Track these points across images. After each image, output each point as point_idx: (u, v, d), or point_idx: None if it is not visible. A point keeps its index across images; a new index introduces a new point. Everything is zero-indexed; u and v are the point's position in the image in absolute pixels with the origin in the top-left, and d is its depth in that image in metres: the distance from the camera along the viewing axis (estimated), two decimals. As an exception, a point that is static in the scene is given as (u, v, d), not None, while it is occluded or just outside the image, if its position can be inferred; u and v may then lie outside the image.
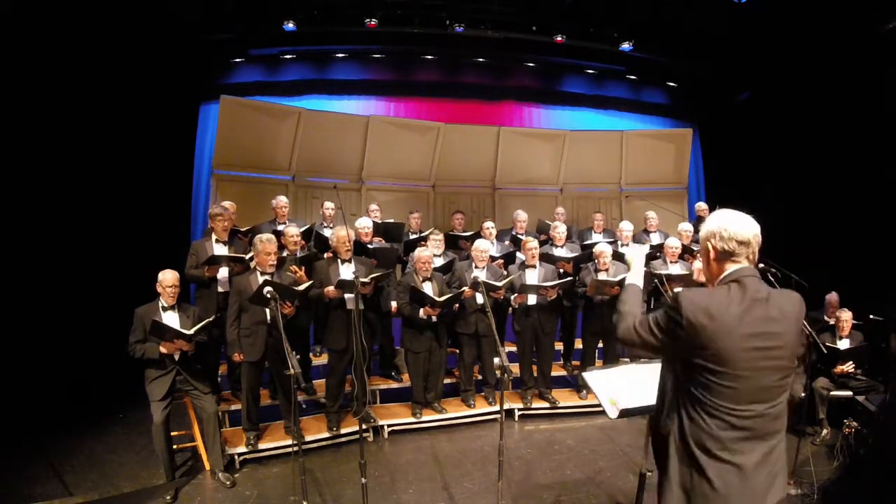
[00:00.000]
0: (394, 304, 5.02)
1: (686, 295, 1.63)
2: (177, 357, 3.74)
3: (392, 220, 5.86)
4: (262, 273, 4.01)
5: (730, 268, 1.68)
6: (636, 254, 2.14)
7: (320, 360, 5.35)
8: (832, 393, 4.49)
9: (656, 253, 5.61)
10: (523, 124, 8.49)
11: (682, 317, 1.60)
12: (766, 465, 1.61)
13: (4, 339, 4.52)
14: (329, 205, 5.79)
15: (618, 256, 5.21)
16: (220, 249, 4.52)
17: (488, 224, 5.87)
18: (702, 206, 6.79)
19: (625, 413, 2.29)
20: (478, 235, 5.69)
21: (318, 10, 6.56)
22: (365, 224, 5.22)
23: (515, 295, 4.82)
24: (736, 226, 1.67)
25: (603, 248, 5.00)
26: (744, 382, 1.57)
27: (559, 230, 5.44)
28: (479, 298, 4.69)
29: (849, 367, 4.47)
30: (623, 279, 4.76)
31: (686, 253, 5.54)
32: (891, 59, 5.46)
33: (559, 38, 7.11)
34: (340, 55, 7.69)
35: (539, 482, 3.85)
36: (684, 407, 1.65)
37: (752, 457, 1.59)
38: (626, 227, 5.83)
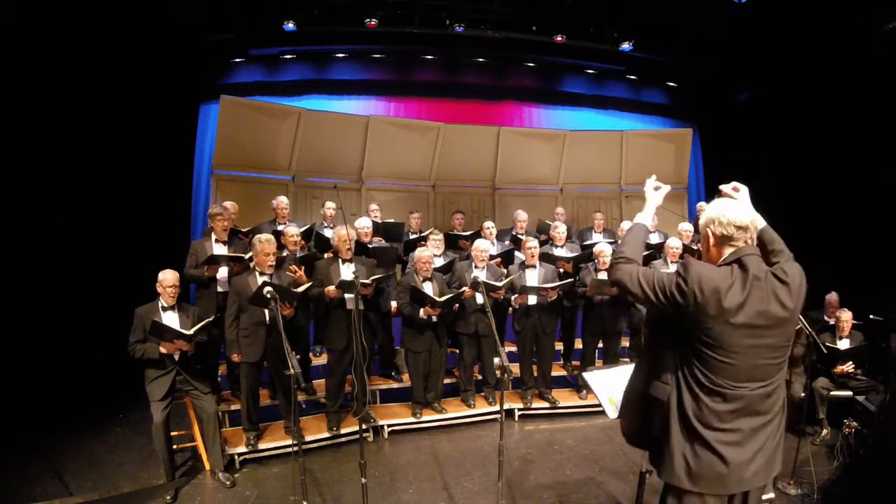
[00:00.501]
0: (394, 303, 5.03)
1: (695, 265, 1.67)
2: (176, 357, 3.74)
3: (392, 220, 5.85)
4: (261, 273, 4.01)
5: (728, 251, 1.73)
6: (654, 192, 2.11)
7: (320, 360, 5.35)
8: (832, 393, 4.49)
9: (656, 253, 5.61)
10: (523, 124, 8.48)
11: (687, 285, 1.64)
12: (761, 436, 1.67)
13: (5, 340, 4.51)
14: (330, 205, 5.79)
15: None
16: (220, 249, 4.52)
17: (488, 224, 5.86)
18: (703, 205, 6.77)
19: (625, 413, 2.30)
20: (477, 235, 5.69)
21: (318, 10, 6.55)
22: (364, 224, 5.21)
23: (516, 296, 4.81)
24: (734, 212, 1.73)
25: (603, 248, 4.99)
26: (740, 359, 1.63)
27: (559, 230, 5.44)
28: (479, 298, 4.69)
29: (849, 367, 4.47)
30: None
31: (686, 253, 5.54)
32: (891, 59, 5.46)
33: (559, 38, 7.10)
34: (340, 55, 7.69)
35: (539, 482, 3.85)
36: (684, 380, 1.70)
37: (747, 429, 1.66)
38: (627, 227, 5.82)
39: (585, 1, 6.74)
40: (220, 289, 4.50)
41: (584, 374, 2.60)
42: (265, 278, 3.95)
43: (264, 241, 4.01)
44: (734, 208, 1.75)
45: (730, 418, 1.65)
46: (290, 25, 6.53)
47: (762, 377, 1.66)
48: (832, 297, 5.21)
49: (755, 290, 1.63)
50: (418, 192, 7.71)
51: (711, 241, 1.78)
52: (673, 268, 5.14)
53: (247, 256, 4.44)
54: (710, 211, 1.79)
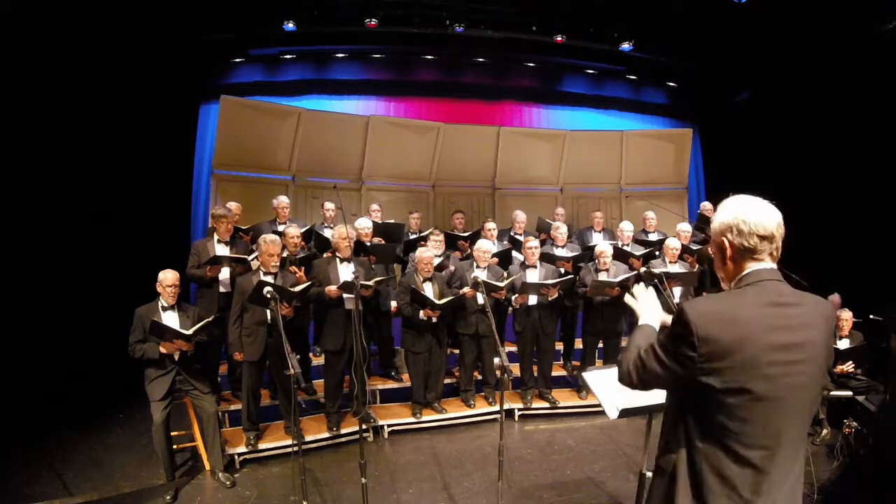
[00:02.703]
0: (393, 303, 5.03)
1: (691, 306, 1.37)
2: (176, 357, 3.74)
3: (392, 221, 5.85)
4: (266, 273, 4.02)
5: (749, 267, 1.42)
6: (645, 295, 1.76)
7: (320, 360, 5.34)
8: (832, 393, 4.49)
9: (655, 252, 5.61)
10: (523, 124, 8.48)
11: (692, 333, 1.33)
12: (785, 486, 1.38)
13: (5, 339, 4.51)
14: (329, 205, 5.78)
15: (618, 256, 5.20)
16: (222, 250, 4.53)
17: (490, 225, 5.84)
18: (706, 205, 6.76)
19: (625, 413, 2.30)
20: (478, 235, 5.69)
21: (318, 10, 6.56)
22: (365, 224, 5.21)
23: (516, 296, 4.81)
24: (757, 216, 1.40)
25: (603, 248, 5.00)
26: (766, 403, 1.32)
27: (560, 230, 5.44)
28: (480, 298, 4.69)
29: (848, 366, 4.47)
30: (624, 279, 4.79)
31: (685, 252, 5.54)
32: (890, 59, 5.46)
33: (559, 38, 7.11)
34: (340, 55, 7.69)
35: (539, 482, 3.85)
36: (693, 439, 1.39)
37: (768, 498, 1.35)
38: (627, 228, 5.83)
39: (585, 1, 6.73)
40: (221, 289, 4.50)
41: (584, 375, 2.59)
42: (269, 278, 3.96)
43: (269, 241, 4.02)
44: (757, 210, 1.42)
45: (750, 485, 1.34)
46: (290, 25, 6.53)
47: (789, 424, 1.35)
48: (834, 298, 5.20)
49: (775, 317, 1.34)
50: (418, 192, 7.71)
51: (728, 252, 1.44)
52: (672, 268, 5.18)
53: (250, 258, 4.44)
54: (727, 215, 1.44)
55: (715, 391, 1.33)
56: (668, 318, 1.67)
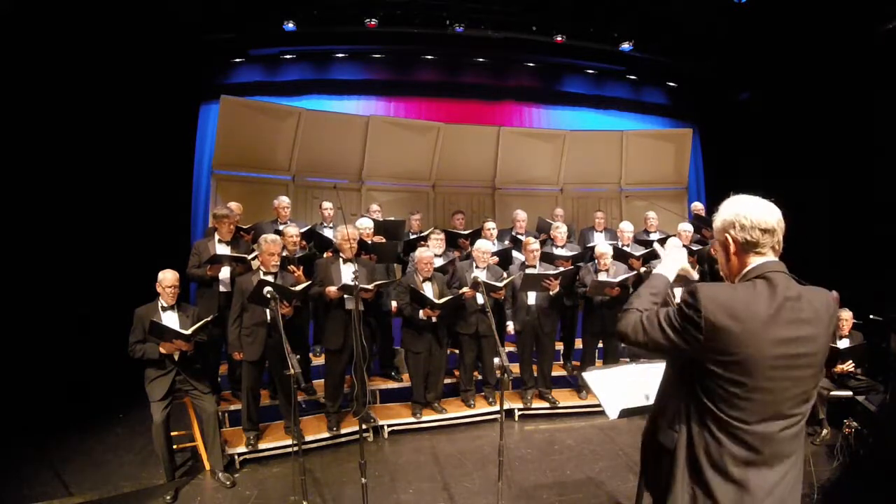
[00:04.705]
0: (394, 303, 5.03)
1: (705, 290, 1.40)
2: (176, 357, 3.74)
3: (392, 219, 5.85)
4: (266, 273, 4.02)
5: (754, 261, 1.47)
6: (673, 248, 1.82)
7: (320, 360, 5.34)
8: (832, 393, 4.49)
9: (656, 251, 5.59)
10: (523, 124, 8.48)
11: (700, 317, 1.38)
12: (780, 485, 1.42)
13: (4, 339, 4.51)
14: (327, 205, 5.77)
15: (618, 256, 5.20)
16: (223, 250, 4.53)
17: (489, 224, 5.85)
18: (698, 205, 6.80)
19: (625, 413, 2.30)
20: (478, 234, 5.69)
21: (318, 10, 6.56)
22: (366, 224, 5.21)
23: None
24: (757, 212, 1.46)
25: (604, 249, 5.00)
26: (766, 394, 1.37)
27: (560, 230, 5.44)
28: (480, 299, 4.69)
29: (848, 366, 4.47)
30: (624, 279, 4.79)
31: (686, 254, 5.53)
32: (890, 59, 5.46)
33: (559, 38, 7.11)
34: (340, 55, 7.69)
35: (539, 482, 3.85)
36: (694, 419, 1.46)
37: (766, 479, 1.40)
38: (627, 228, 5.83)
39: (585, 1, 6.74)
40: (221, 289, 4.51)
41: (584, 374, 2.59)
42: (269, 278, 3.96)
43: (270, 241, 4.03)
44: (757, 206, 1.47)
45: (748, 465, 1.39)
46: (290, 25, 6.53)
47: (789, 413, 1.41)
48: (834, 295, 5.20)
49: (786, 312, 1.38)
50: (418, 192, 7.71)
51: (732, 248, 1.49)
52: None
53: (250, 257, 4.44)
54: (728, 212, 1.50)
55: (716, 376, 1.39)
56: (689, 269, 1.78)
